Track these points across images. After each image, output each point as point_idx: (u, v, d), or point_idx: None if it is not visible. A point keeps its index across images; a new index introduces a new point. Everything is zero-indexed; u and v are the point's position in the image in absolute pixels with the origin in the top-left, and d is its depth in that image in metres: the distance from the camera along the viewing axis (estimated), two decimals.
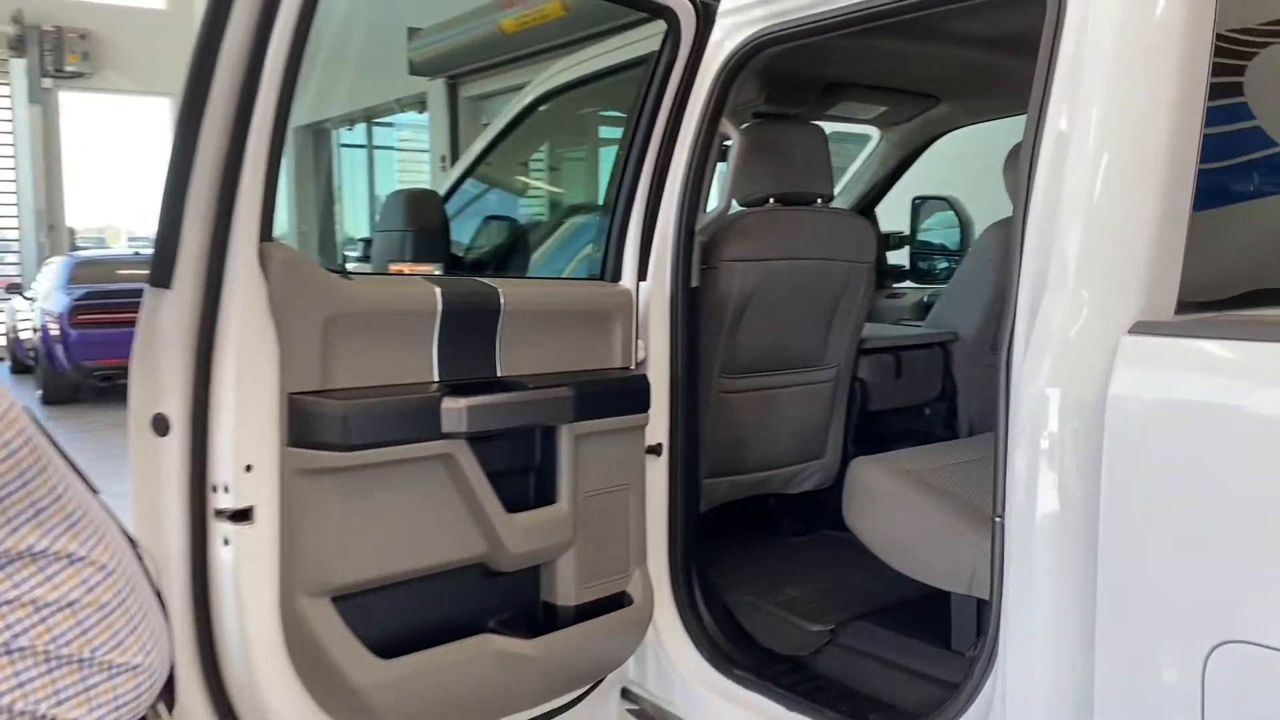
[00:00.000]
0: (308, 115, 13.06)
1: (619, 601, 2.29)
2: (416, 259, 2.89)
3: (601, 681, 2.44)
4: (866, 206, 4.50)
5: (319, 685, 1.84)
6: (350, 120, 13.87)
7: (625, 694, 2.58)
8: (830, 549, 2.99)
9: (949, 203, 4.61)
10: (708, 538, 2.77)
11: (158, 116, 17.17)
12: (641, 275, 2.41)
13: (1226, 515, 1.41)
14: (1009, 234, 1.79)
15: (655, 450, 2.45)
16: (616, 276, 2.39)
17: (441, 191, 3.62)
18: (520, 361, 2.11)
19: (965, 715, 1.86)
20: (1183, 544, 1.45)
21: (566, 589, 2.19)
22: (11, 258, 16.19)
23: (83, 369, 9.53)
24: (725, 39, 2.41)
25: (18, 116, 15.80)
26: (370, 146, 14.53)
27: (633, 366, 2.36)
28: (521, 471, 2.15)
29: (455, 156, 9.87)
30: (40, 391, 10.32)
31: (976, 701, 1.84)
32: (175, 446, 1.71)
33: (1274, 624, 1.35)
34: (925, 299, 4.28)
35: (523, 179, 6.29)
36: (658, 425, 2.44)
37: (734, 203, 2.85)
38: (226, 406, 1.72)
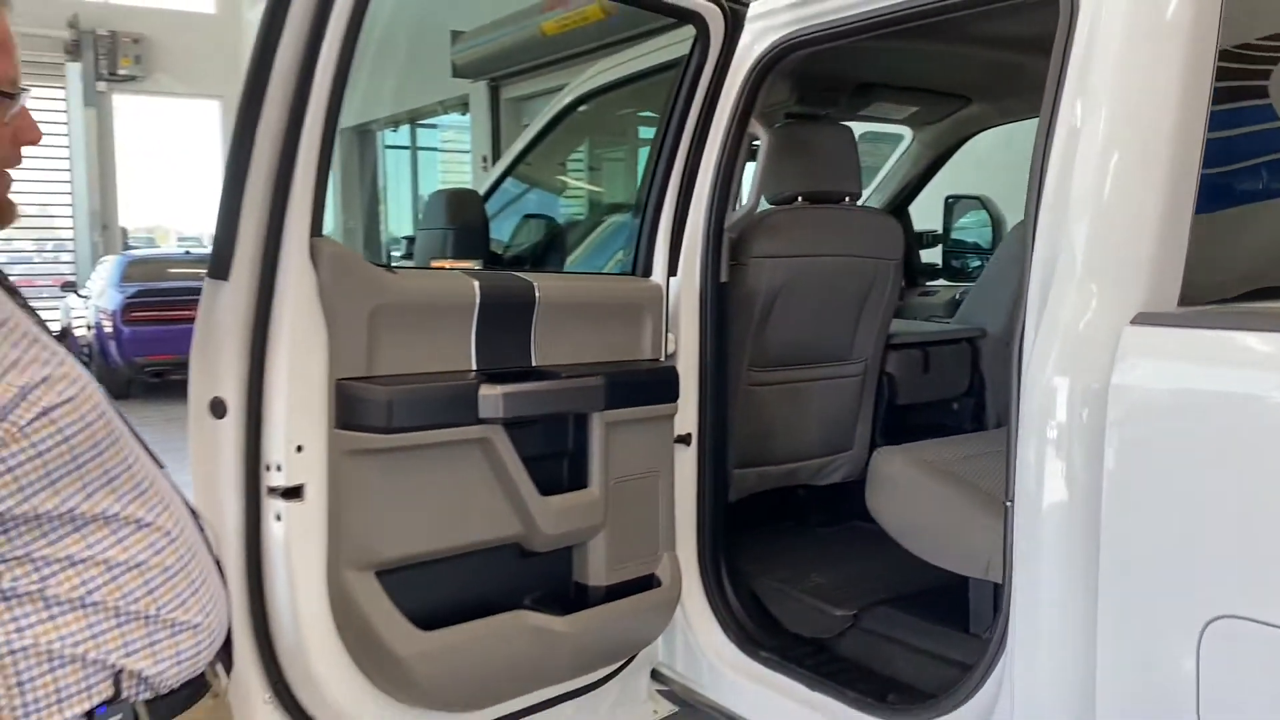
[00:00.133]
0: (354, 117, 13.27)
1: (648, 583, 2.38)
2: (457, 255, 3.01)
3: (632, 661, 2.54)
4: (900, 205, 4.56)
5: (363, 653, 1.95)
6: (395, 122, 14.07)
7: (655, 675, 2.67)
8: (857, 538, 3.06)
9: (981, 201, 4.66)
10: (739, 527, 2.87)
11: (207, 118, 17.51)
12: (672, 271, 2.51)
13: (1221, 498, 1.47)
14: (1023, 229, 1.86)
15: (684, 440, 2.54)
16: (647, 272, 2.49)
17: (482, 191, 3.74)
18: (554, 352, 2.21)
19: (978, 695, 1.94)
20: (1179, 525, 1.52)
21: (597, 570, 2.28)
22: (66, 257, 16.58)
23: (135, 365, 9.76)
24: (754, 43, 2.50)
25: (73, 119, 16.17)
26: (414, 148, 14.74)
27: (662, 358, 2.45)
28: (555, 457, 2.25)
29: (496, 157, 10.00)
30: None
31: (989, 682, 1.91)
32: (232, 428, 1.83)
33: (1265, 600, 1.42)
34: (957, 296, 4.33)
35: (561, 178, 6.40)
36: (687, 416, 2.54)
37: (763, 201, 2.93)
38: (279, 391, 1.84)
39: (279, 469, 1.85)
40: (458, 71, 10.82)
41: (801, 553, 3.04)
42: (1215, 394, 1.52)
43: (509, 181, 3.93)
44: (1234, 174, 2.02)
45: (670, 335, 2.50)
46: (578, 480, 2.26)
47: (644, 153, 8.26)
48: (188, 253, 12.61)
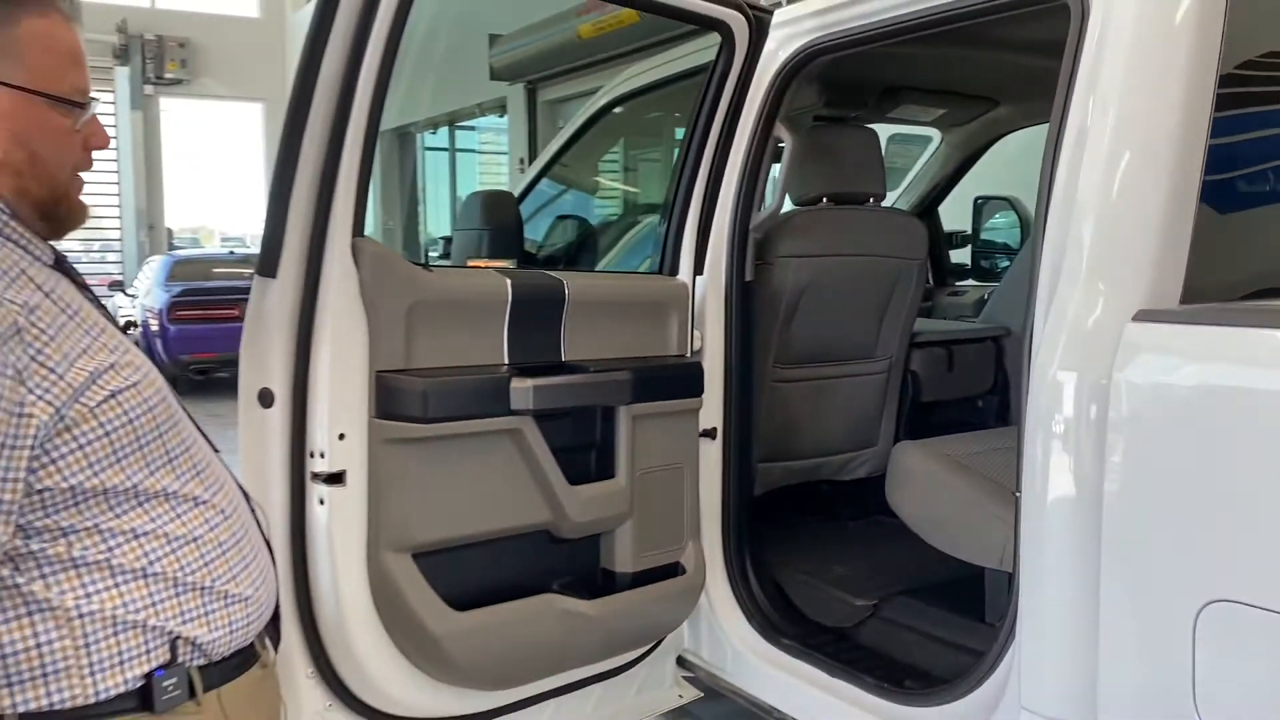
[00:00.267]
0: (394, 119, 13.44)
1: (672, 571, 2.46)
2: (492, 255, 3.11)
3: (658, 647, 2.63)
4: (929, 206, 4.61)
5: (399, 631, 2.05)
6: (434, 124, 14.24)
7: (680, 661, 2.76)
8: (880, 532, 3.13)
9: (1010, 202, 4.70)
10: (765, 519, 2.94)
11: (250, 121, 17.79)
12: (698, 270, 2.59)
13: (1216, 489, 1.53)
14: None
15: (710, 434, 2.62)
16: (674, 271, 2.57)
17: (517, 192, 3.84)
18: (583, 347, 2.30)
19: (989, 680, 2.01)
20: (1177, 515, 1.58)
21: (624, 557, 2.37)
22: (113, 256, 16.92)
23: (180, 362, 9.94)
24: (779, 49, 2.58)
25: (121, 122, 16.50)
26: (452, 149, 14.90)
27: (688, 355, 2.53)
28: (583, 448, 2.33)
29: (533, 158, 10.13)
30: None
31: (1000, 667, 1.98)
32: (278, 417, 1.94)
33: (1256, 584, 1.48)
34: (985, 296, 4.37)
35: (596, 179, 6.49)
36: (712, 411, 2.62)
37: (788, 202, 3.00)
38: (323, 382, 1.94)
39: (322, 456, 1.95)
40: (495, 74, 10.95)
41: (825, 545, 3.11)
42: (1212, 388, 1.58)
43: (544, 182, 4.03)
44: (1256, 176, 2.06)
45: (696, 332, 2.58)
46: (605, 471, 2.34)
47: (678, 154, 8.31)
48: (231, 253, 12.85)
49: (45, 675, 1.19)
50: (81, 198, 1.38)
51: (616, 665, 2.51)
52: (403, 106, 12.65)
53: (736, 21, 2.40)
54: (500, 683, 2.25)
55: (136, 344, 1.33)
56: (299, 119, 1.84)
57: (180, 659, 1.29)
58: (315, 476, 1.97)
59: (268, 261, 1.90)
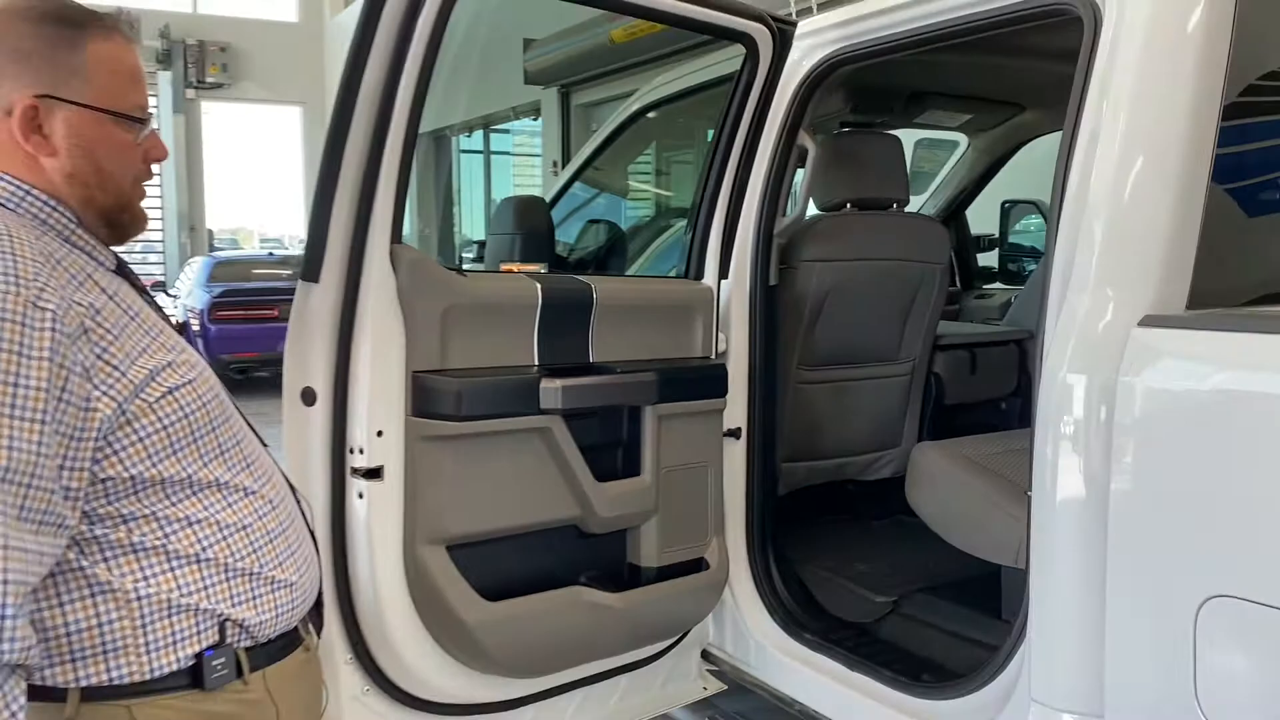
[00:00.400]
0: (430, 123, 13.57)
1: (696, 566, 2.54)
2: (524, 259, 3.19)
3: (683, 641, 2.70)
4: (956, 210, 4.65)
5: (433, 620, 2.14)
6: (469, 127, 14.37)
7: (705, 655, 2.83)
8: (903, 531, 3.18)
9: (1037, 206, 4.73)
10: (790, 518, 3.01)
11: (289, 124, 18.03)
12: (723, 274, 2.66)
13: (1215, 488, 1.59)
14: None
15: (734, 434, 2.69)
16: (699, 275, 2.64)
17: (549, 196, 3.92)
18: (610, 349, 2.37)
19: (1002, 674, 2.06)
20: (1178, 513, 1.64)
21: (649, 552, 2.44)
22: (154, 258, 17.21)
23: (220, 362, 10.08)
24: (803, 59, 2.64)
25: (163, 125, 16.76)
26: (487, 152, 15.03)
27: (713, 356, 2.61)
28: (610, 446, 2.41)
29: (566, 161, 10.22)
30: None
31: (1012, 662, 2.04)
32: (320, 414, 2.04)
33: (1254, 581, 1.53)
34: (1012, 299, 4.41)
35: (627, 183, 6.56)
36: (737, 411, 2.69)
37: (811, 208, 3.07)
38: (362, 381, 2.03)
39: (361, 452, 2.05)
40: (529, 78, 11.05)
41: (848, 543, 3.17)
42: (1213, 391, 1.64)
43: (576, 186, 4.11)
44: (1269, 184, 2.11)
45: (721, 335, 2.65)
46: (631, 468, 2.42)
47: (703, 162, 8.35)
48: (271, 254, 13.07)
49: (105, 652, 1.28)
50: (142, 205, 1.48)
51: (642, 657, 2.58)
52: (439, 110, 12.79)
53: (760, 34, 2.47)
54: (529, 671, 2.33)
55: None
56: (340, 132, 1.94)
57: (229, 640, 1.36)
58: (355, 471, 2.06)
59: (311, 267, 1.99)
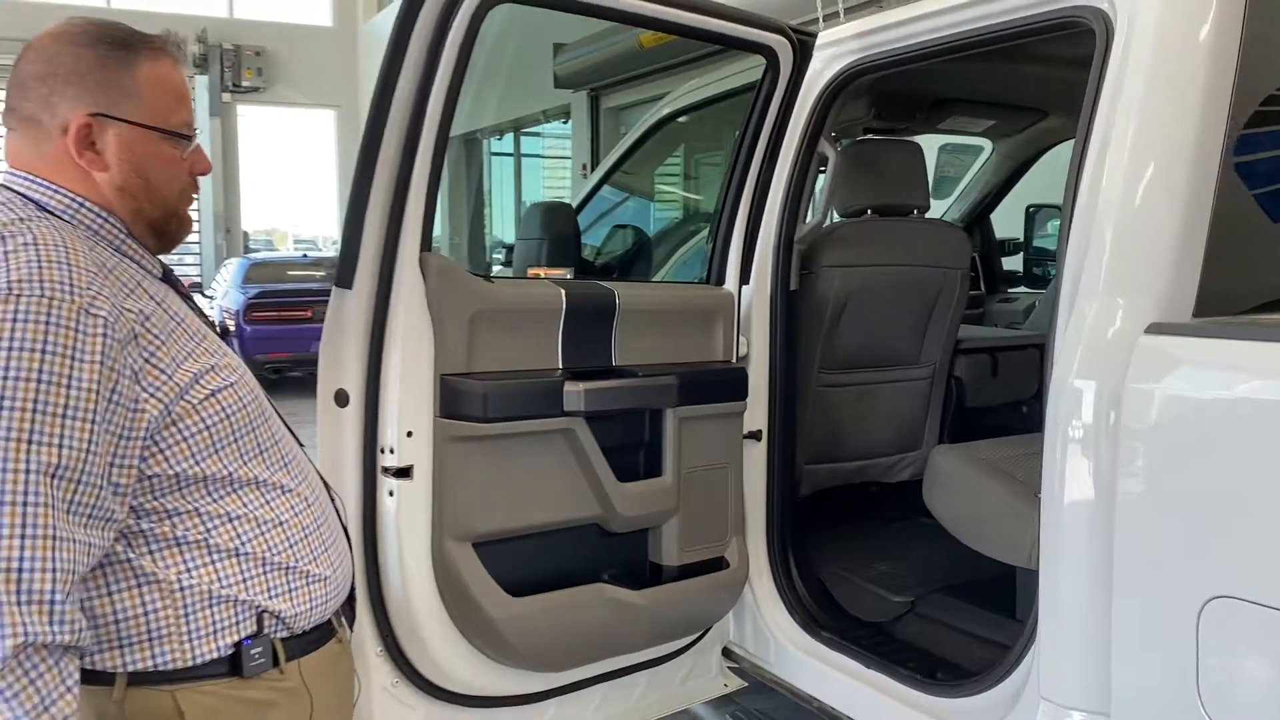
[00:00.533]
0: (461, 126, 13.69)
1: (717, 565, 2.59)
2: (551, 264, 3.27)
3: (704, 638, 2.76)
4: (981, 214, 4.68)
5: (460, 614, 2.21)
6: (500, 130, 14.48)
7: (726, 652, 2.88)
8: (923, 532, 3.21)
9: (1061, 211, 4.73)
10: (811, 519, 3.05)
11: (323, 126, 18.23)
12: (744, 279, 2.71)
13: (1217, 493, 1.63)
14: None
15: (755, 436, 2.75)
16: (720, 280, 2.70)
17: (576, 201, 3.99)
18: (632, 353, 2.44)
19: (1014, 673, 2.11)
20: (1182, 516, 1.68)
21: (670, 550, 2.50)
22: (191, 259, 17.45)
23: (255, 362, 10.20)
24: (824, 69, 2.69)
25: (200, 129, 16.99)
26: (518, 154, 15.14)
27: (734, 360, 2.66)
28: (632, 447, 2.47)
29: (595, 164, 10.29)
30: None
31: (1023, 661, 2.08)
32: (353, 415, 2.12)
33: (1255, 582, 1.58)
34: (1036, 303, 4.44)
35: (653, 189, 6.62)
36: (758, 414, 2.74)
37: (832, 215, 3.12)
38: (393, 384, 2.11)
39: (392, 451, 2.12)
40: (559, 82, 11.14)
41: (868, 544, 3.21)
42: (1217, 397, 1.68)
43: (605, 190, 4.18)
44: None
45: (743, 339, 2.70)
46: (653, 469, 2.48)
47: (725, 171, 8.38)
48: (305, 256, 13.23)
49: (151, 639, 1.35)
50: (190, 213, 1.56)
51: (664, 654, 2.64)
52: (470, 113, 12.90)
53: (781, 45, 2.52)
54: (552, 665, 2.39)
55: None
56: (373, 147, 2.02)
57: (266, 630, 1.44)
58: (385, 470, 2.13)
59: (345, 274, 2.07)
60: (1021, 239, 4.88)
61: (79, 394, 1.23)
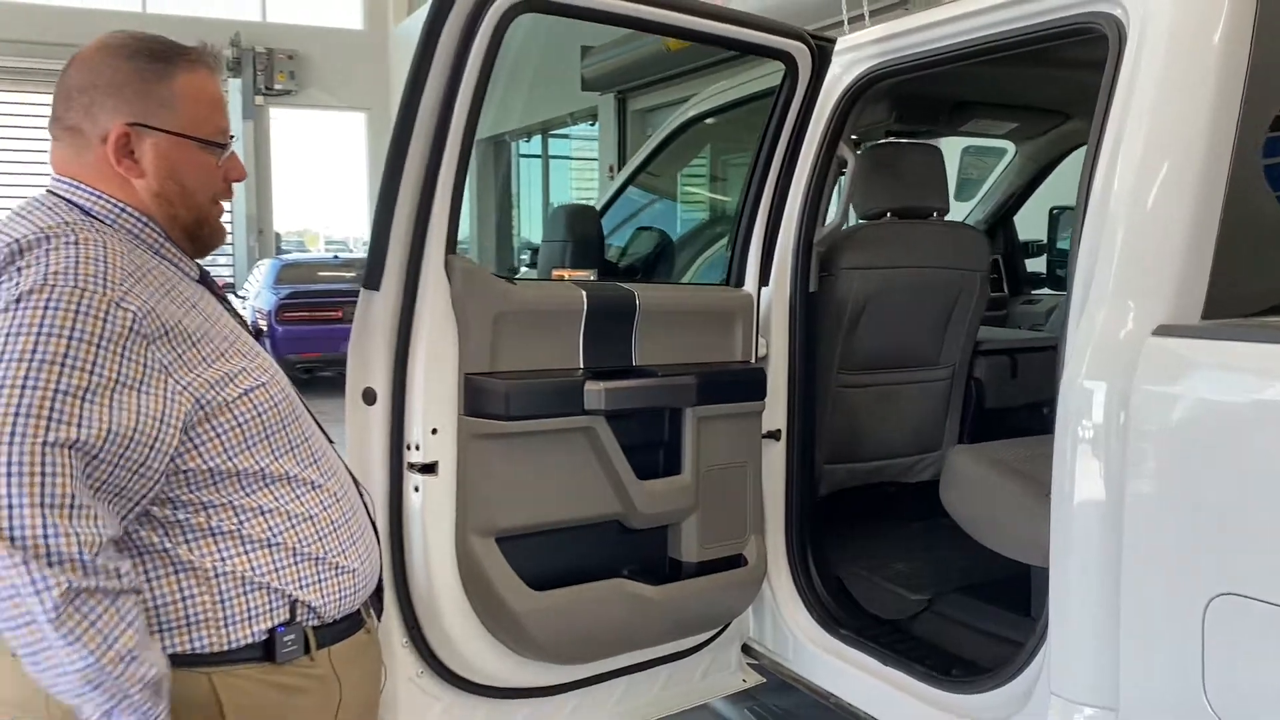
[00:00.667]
0: (490, 128, 13.80)
1: (735, 562, 2.64)
2: (574, 265, 3.32)
3: (723, 634, 2.80)
4: (1004, 216, 4.69)
5: (483, 607, 2.27)
6: (528, 132, 14.56)
7: (745, 649, 2.93)
8: (942, 532, 3.23)
9: None
10: (830, 518, 3.08)
11: (354, 129, 18.40)
12: (763, 281, 2.76)
13: (1223, 493, 1.66)
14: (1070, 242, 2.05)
15: (774, 435, 2.79)
16: (740, 282, 2.75)
17: (600, 203, 4.04)
18: (652, 353, 2.48)
19: (1026, 670, 2.14)
20: (1189, 515, 1.71)
21: (689, 547, 2.55)
22: (224, 259, 17.65)
23: (287, 362, 10.30)
24: (843, 74, 2.73)
25: (234, 132, 17.15)
26: (545, 156, 15.22)
27: (753, 361, 2.71)
28: (652, 446, 2.52)
29: (622, 166, 10.34)
30: None
31: (1036, 658, 2.11)
32: (380, 413, 2.18)
33: (1260, 579, 1.60)
34: (1059, 305, 4.44)
35: (679, 189, 6.66)
36: (777, 414, 2.79)
37: (851, 217, 3.15)
38: (419, 383, 2.17)
39: (417, 448, 2.18)
40: (587, 85, 11.19)
41: (886, 543, 3.24)
42: (1223, 398, 1.70)
43: (630, 191, 4.21)
44: None
45: (762, 340, 2.75)
46: (672, 467, 2.53)
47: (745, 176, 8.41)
48: (336, 257, 13.36)
49: (189, 624, 1.41)
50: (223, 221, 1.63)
51: (684, 649, 2.69)
52: (497, 115, 12.99)
53: (800, 51, 2.56)
54: (573, 658, 2.45)
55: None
56: (400, 151, 2.08)
57: (298, 619, 1.49)
58: (411, 466, 2.20)
59: (372, 276, 2.14)
60: (1045, 241, 4.88)
61: (100, 379, 1.28)
